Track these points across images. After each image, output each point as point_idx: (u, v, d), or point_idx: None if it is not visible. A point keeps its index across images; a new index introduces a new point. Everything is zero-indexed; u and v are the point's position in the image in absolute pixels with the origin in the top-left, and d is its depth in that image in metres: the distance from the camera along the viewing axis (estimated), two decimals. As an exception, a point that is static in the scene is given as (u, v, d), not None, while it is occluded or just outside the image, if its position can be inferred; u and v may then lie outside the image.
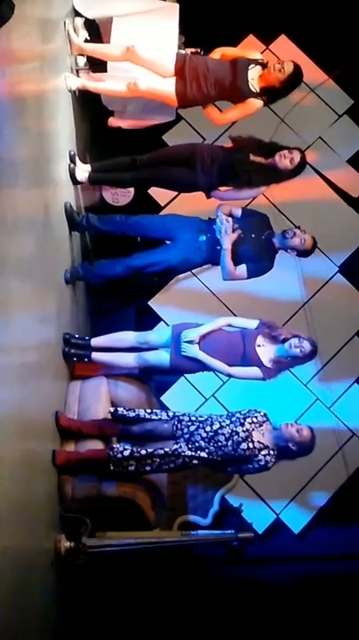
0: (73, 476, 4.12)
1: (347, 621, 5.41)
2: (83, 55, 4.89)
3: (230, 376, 4.48)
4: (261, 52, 5.19)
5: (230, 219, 4.60)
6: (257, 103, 4.65)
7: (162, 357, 4.44)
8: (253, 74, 4.60)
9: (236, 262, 4.60)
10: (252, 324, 4.48)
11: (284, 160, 4.56)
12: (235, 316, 5.25)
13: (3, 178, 2.85)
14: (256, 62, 4.62)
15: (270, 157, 4.59)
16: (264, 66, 4.64)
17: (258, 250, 4.62)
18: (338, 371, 6.04)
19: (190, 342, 4.36)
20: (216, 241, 4.61)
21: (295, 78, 4.59)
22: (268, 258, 4.67)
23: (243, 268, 4.61)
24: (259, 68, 4.62)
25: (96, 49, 4.78)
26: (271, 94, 4.65)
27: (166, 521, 5.20)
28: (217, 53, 4.77)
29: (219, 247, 4.57)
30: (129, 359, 4.52)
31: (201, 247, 4.65)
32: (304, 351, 4.26)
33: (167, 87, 4.63)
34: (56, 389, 4.23)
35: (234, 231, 4.53)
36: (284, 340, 4.31)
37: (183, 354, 4.35)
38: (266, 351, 4.35)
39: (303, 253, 4.66)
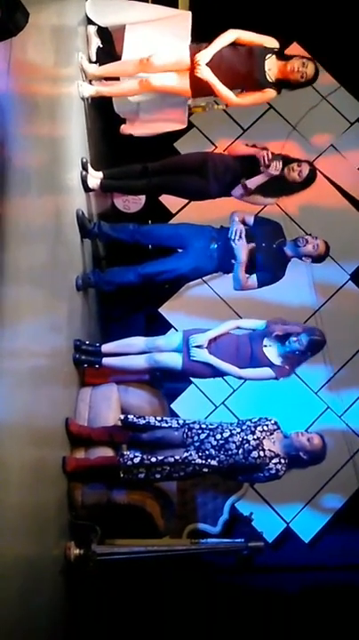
0: (83, 483, 4.11)
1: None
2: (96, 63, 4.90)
3: (241, 378, 4.49)
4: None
5: (243, 227, 4.60)
6: (272, 93, 4.69)
7: (174, 359, 4.44)
8: (270, 64, 4.59)
9: (248, 271, 4.60)
10: (260, 324, 4.49)
11: (293, 173, 4.60)
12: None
13: (16, 185, 2.87)
14: (272, 51, 4.62)
15: (281, 170, 4.59)
16: (279, 54, 4.63)
17: (268, 259, 4.61)
18: (349, 379, 6.00)
19: (199, 347, 4.37)
20: (227, 249, 4.61)
21: (312, 80, 4.68)
22: (279, 267, 4.67)
23: (253, 278, 4.62)
24: (274, 57, 4.61)
25: (110, 69, 4.78)
26: (284, 86, 4.69)
27: (176, 529, 5.19)
28: (232, 34, 4.62)
29: (233, 261, 4.56)
30: (139, 361, 4.51)
31: (212, 255, 4.65)
32: (302, 343, 4.25)
33: (180, 79, 4.60)
34: (66, 396, 4.24)
35: (247, 243, 4.51)
36: (287, 336, 4.31)
37: (193, 359, 4.36)
38: (273, 350, 4.36)
39: (317, 259, 4.66)
